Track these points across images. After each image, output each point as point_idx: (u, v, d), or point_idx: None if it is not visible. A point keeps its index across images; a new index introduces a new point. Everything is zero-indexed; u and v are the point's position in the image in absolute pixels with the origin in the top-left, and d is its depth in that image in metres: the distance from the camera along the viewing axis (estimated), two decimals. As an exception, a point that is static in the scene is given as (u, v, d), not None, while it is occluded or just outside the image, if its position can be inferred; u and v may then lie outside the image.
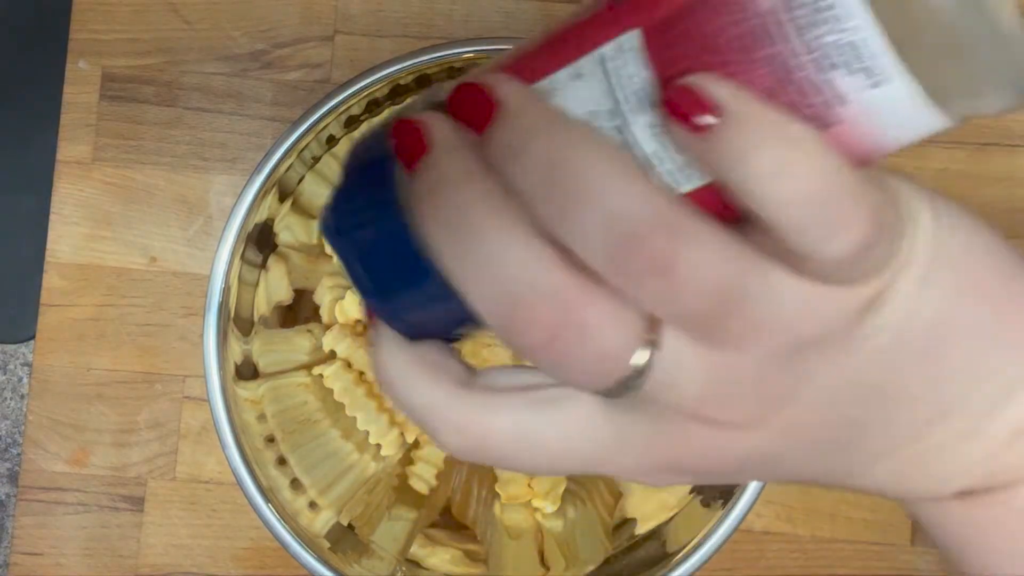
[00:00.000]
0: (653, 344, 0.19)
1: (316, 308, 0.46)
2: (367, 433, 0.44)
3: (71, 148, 0.51)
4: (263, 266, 0.45)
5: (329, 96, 0.42)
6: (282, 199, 0.45)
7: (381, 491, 0.45)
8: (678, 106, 0.18)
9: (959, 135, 0.50)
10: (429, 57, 0.42)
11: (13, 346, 0.53)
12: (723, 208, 0.19)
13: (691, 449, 0.21)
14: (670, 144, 0.19)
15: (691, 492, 0.45)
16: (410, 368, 0.22)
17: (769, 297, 0.19)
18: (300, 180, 0.45)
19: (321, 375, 0.45)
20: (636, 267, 0.18)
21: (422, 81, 0.44)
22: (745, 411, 0.20)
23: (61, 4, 0.52)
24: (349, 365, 0.44)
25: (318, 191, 0.45)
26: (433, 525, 0.47)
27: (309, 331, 0.45)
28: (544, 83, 0.20)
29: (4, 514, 0.52)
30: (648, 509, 0.45)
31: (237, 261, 0.42)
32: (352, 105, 0.43)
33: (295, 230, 0.45)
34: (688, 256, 0.18)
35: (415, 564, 0.46)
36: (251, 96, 0.51)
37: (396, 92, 0.44)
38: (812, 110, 0.18)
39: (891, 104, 0.18)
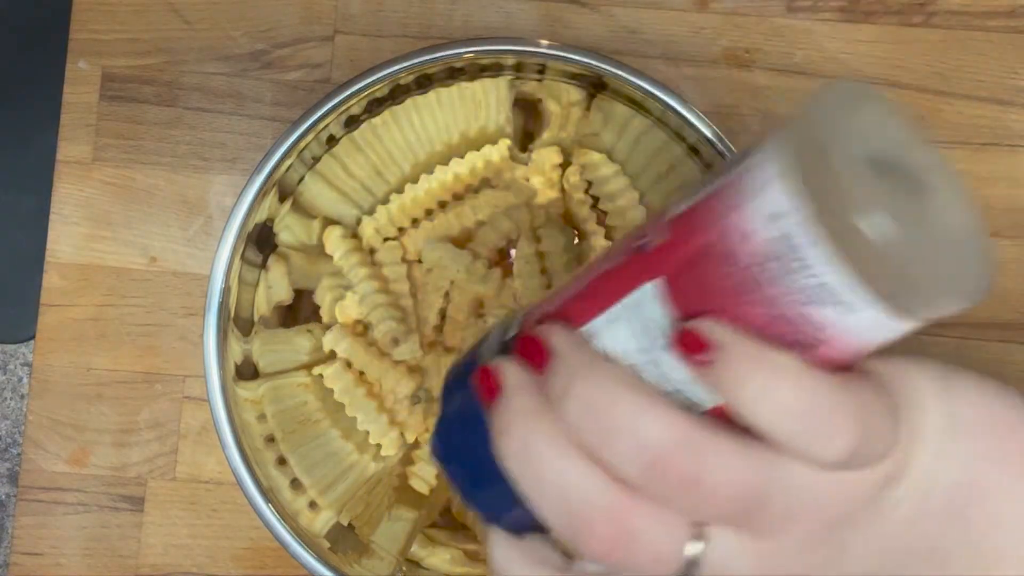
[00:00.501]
0: (701, 537, 0.23)
1: (316, 308, 0.46)
2: (367, 433, 0.44)
3: (71, 148, 0.51)
4: (263, 266, 0.45)
5: (329, 96, 0.42)
6: (282, 199, 0.45)
7: (381, 491, 0.45)
8: (684, 346, 0.22)
9: (959, 135, 0.50)
10: (429, 57, 0.42)
11: (13, 346, 0.53)
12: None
13: None
14: (692, 375, 0.23)
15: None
16: (519, 557, 0.26)
17: (792, 490, 0.22)
18: (300, 180, 0.45)
19: (321, 375, 0.45)
20: (667, 484, 0.22)
21: (422, 81, 0.44)
22: None
23: (61, 4, 0.52)
24: (349, 365, 0.44)
25: (318, 191, 0.45)
26: (433, 525, 0.47)
27: (309, 331, 0.45)
28: (588, 327, 0.24)
29: (4, 514, 0.52)
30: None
31: (237, 261, 0.42)
32: (352, 105, 0.43)
33: (295, 230, 0.45)
34: (710, 469, 0.22)
35: (415, 564, 0.46)
36: (251, 96, 0.51)
37: (396, 92, 0.44)
38: (798, 338, 0.22)
39: (864, 324, 0.21)
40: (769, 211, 0.21)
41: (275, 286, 0.45)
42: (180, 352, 0.50)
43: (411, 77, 0.43)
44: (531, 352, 0.24)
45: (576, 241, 0.46)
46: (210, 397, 0.42)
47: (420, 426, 0.45)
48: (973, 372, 0.25)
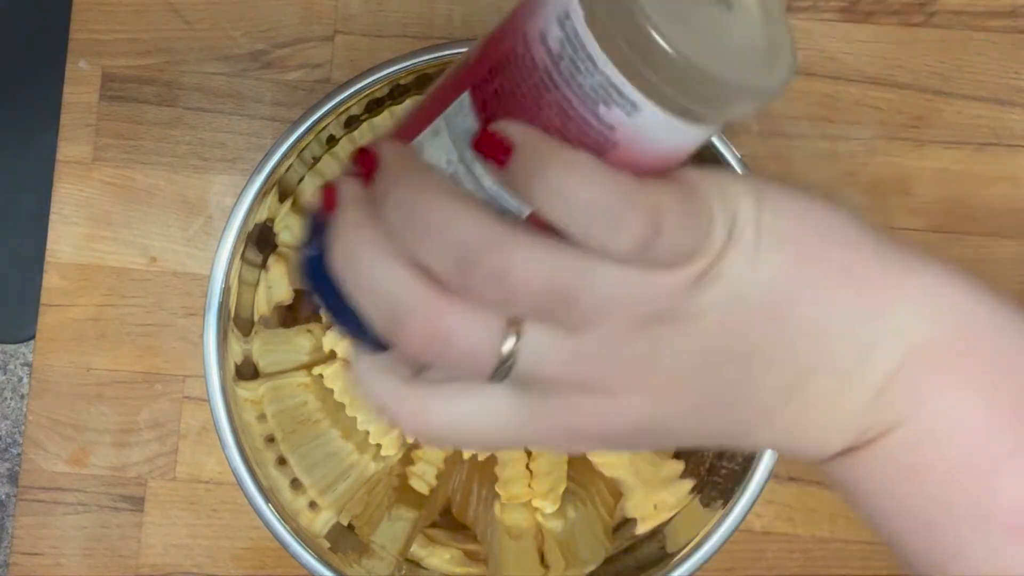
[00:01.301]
0: (516, 335, 0.24)
1: (316, 308, 0.46)
2: (367, 433, 0.44)
3: (71, 148, 0.51)
4: (263, 266, 0.45)
5: (329, 96, 0.42)
6: (282, 199, 0.45)
7: (381, 491, 0.45)
8: (484, 147, 0.23)
9: (959, 135, 0.50)
10: (429, 57, 0.42)
11: (13, 346, 0.53)
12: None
13: (582, 417, 0.25)
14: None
15: (691, 492, 0.45)
16: (371, 370, 0.27)
17: (598, 286, 0.23)
18: (300, 180, 0.45)
19: (321, 375, 0.45)
20: (477, 280, 0.23)
21: (422, 81, 0.44)
22: (608, 379, 0.24)
23: (61, 4, 0.52)
24: (349, 365, 0.44)
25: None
26: (433, 525, 0.47)
27: (309, 331, 0.45)
28: (416, 141, 0.25)
29: (4, 514, 0.52)
30: (648, 509, 0.45)
31: (237, 261, 0.42)
32: (352, 105, 0.43)
33: (295, 230, 0.45)
34: (516, 265, 0.23)
35: (415, 564, 0.46)
36: (251, 96, 0.51)
37: (396, 92, 0.44)
38: (591, 139, 0.23)
39: (652, 126, 0.23)
40: (558, 12, 0.22)
41: (275, 286, 0.45)
42: (180, 352, 0.50)
43: (411, 77, 0.43)
44: (363, 163, 0.25)
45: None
46: (210, 397, 0.42)
47: (420, 426, 0.45)
48: (794, 187, 0.26)
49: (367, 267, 0.24)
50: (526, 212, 0.24)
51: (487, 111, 0.24)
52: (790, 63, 0.23)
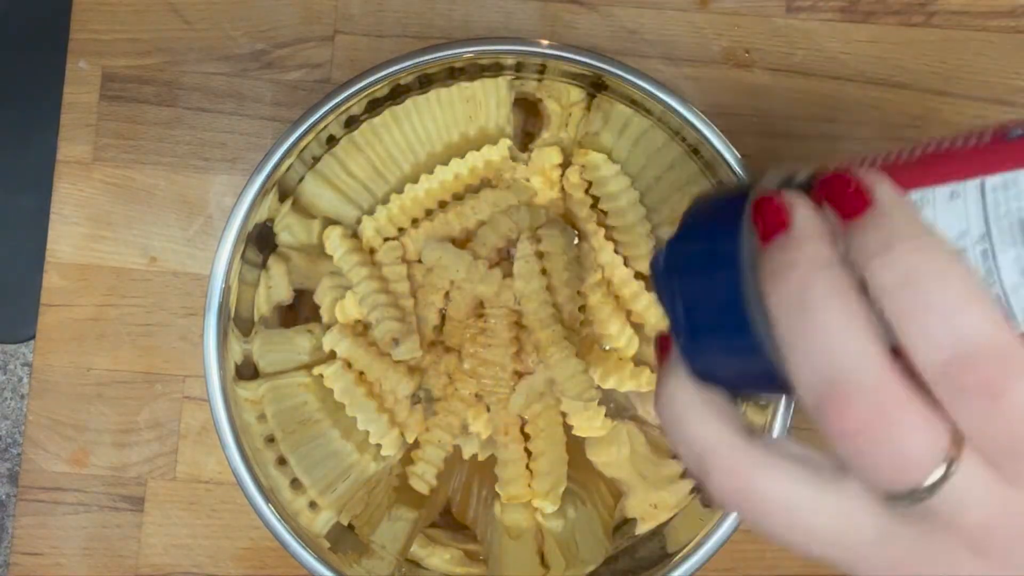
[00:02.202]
0: (951, 462, 0.20)
1: (316, 308, 0.46)
2: (367, 433, 0.44)
3: (71, 148, 0.51)
4: (263, 266, 0.45)
5: (329, 96, 0.42)
6: (282, 199, 0.45)
7: (381, 491, 0.45)
8: None
9: (959, 135, 0.50)
10: (429, 57, 0.42)
11: (13, 346, 0.53)
12: None
13: (954, 570, 0.22)
14: None
15: (691, 492, 0.45)
16: (700, 405, 0.23)
17: None
18: (300, 180, 0.45)
19: (321, 375, 0.45)
20: (967, 384, 0.20)
21: (422, 81, 0.44)
22: (1020, 553, 0.21)
23: (61, 4, 0.52)
24: (349, 365, 0.44)
25: (318, 191, 0.45)
26: (433, 525, 0.47)
27: (309, 331, 0.45)
28: (917, 194, 0.21)
29: (4, 514, 0.52)
30: (648, 509, 0.45)
31: (237, 261, 0.42)
32: (352, 105, 0.43)
33: (295, 230, 0.45)
34: (1018, 389, 0.19)
35: (415, 564, 0.46)
36: (251, 96, 0.51)
37: (396, 92, 0.44)
38: None
39: None
40: None
41: (275, 286, 0.45)
42: (180, 352, 0.50)
43: (411, 77, 0.43)
44: (843, 194, 0.21)
45: (576, 241, 0.46)
46: (210, 397, 0.42)
47: (420, 426, 0.45)
48: None
49: (826, 318, 0.21)
50: None
51: None
52: None
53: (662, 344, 0.25)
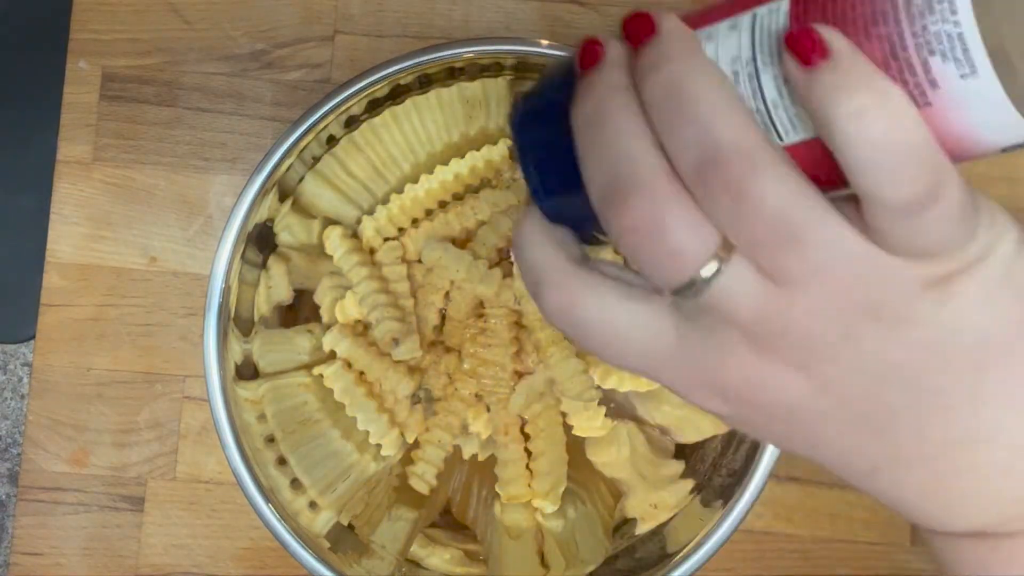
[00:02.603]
0: (721, 260, 0.22)
1: (316, 308, 0.46)
2: (367, 433, 0.44)
3: (71, 148, 0.51)
4: (263, 266, 0.45)
5: (329, 96, 0.42)
6: (282, 199, 0.45)
7: (381, 491, 0.45)
8: (797, 40, 0.21)
9: (959, 135, 0.50)
10: (429, 57, 0.42)
11: (13, 346, 0.53)
12: (815, 166, 0.22)
13: (738, 373, 0.23)
14: (787, 95, 0.22)
15: (691, 492, 0.45)
16: (542, 235, 0.26)
17: (830, 246, 0.22)
18: (300, 180, 0.45)
19: (321, 375, 0.45)
20: (714, 184, 0.22)
21: (422, 81, 0.44)
22: (787, 347, 0.23)
23: (61, 4, 0.52)
24: (349, 365, 0.44)
25: (318, 191, 0.45)
26: (433, 525, 0.47)
27: (309, 331, 0.45)
28: (707, 29, 0.24)
29: (4, 514, 0.52)
30: (648, 509, 0.45)
31: (237, 261, 0.42)
32: (352, 105, 0.43)
33: (295, 230, 0.45)
34: (762, 185, 0.21)
35: (415, 564, 0.46)
36: (251, 96, 0.51)
37: (396, 92, 0.44)
38: (909, 87, 0.21)
39: (976, 98, 0.21)
40: None
41: (275, 286, 0.45)
42: (180, 352, 0.50)
43: (411, 77, 0.43)
44: (638, 26, 0.24)
45: (576, 241, 0.46)
46: (210, 397, 0.42)
47: (420, 426, 0.45)
48: None
49: (611, 130, 0.23)
50: (794, 139, 0.23)
51: (805, 22, 0.22)
52: None
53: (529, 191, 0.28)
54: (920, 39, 0.21)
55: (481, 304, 0.45)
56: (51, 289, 0.50)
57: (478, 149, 0.45)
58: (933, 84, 0.21)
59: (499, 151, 0.45)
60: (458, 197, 0.46)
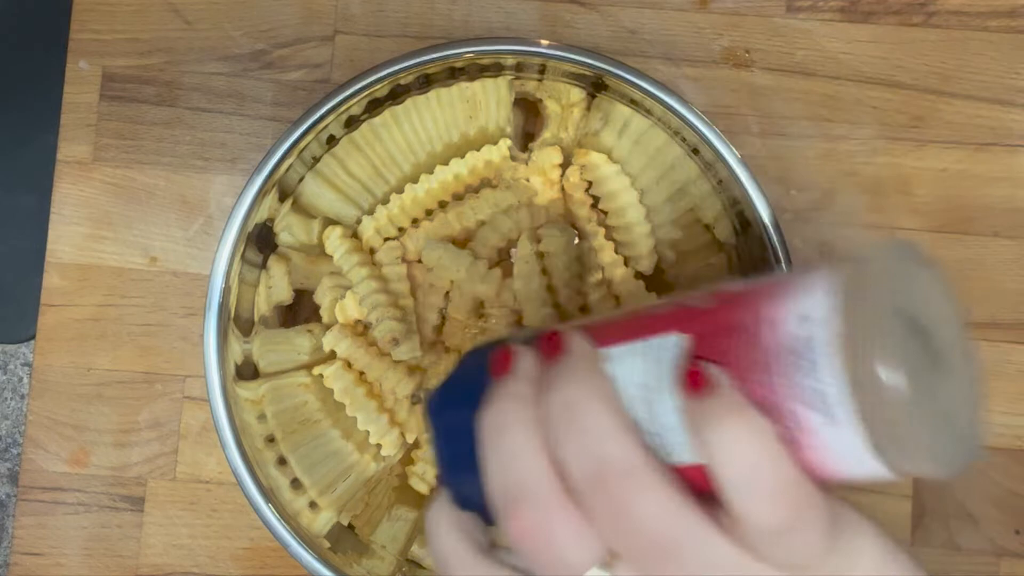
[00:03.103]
0: (606, 566, 0.24)
1: (316, 308, 0.46)
2: (367, 433, 0.44)
3: (71, 148, 0.51)
4: (263, 266, 0.45)
5: (329, 96, 0.42)
6: (282, 199, 0.45)
7: (381, 491, 0.46)
8: (689, 377, 0.24)
9: (959, 135, 0.50)
10: (429, 57, 0.42)
11: (13, 346, 0.53)
12: (704, 486, 0.24)
13: None
14: (680, 422, 0.25)
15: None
16: (449, 523, 0.28)
17: (706, 557, 0.24)
18: (300, 180, 0.45)
19: (321, 375, 0.45)
20: (600, 501, 0.24)
21: (422, 81, 0.44)
22: None
23: (61, 4, 0.52)
24: (349, 365, 0.44)
25: (318, 191, 0.45)
26: (433, 525, 0.47)
27: (309, 331, 0.45)
28: (610, 349, 0.26)
29: (4, 514, 0.52)
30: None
31: (237, 261, 0.42)
32: (352, 105, 0.43)
33: (295, 230, 0.45)
34: (643, 505, 0.23)
35: (415, 564, 0.46)
36: (251, 96, 0.51)
37: (396, 92, 0.44)
38: (781, 427, 0.24)
39: (840, 446, 0.23)
40: (803, 312, 0.23)
41: (275, 286, 0.45)
42: (180, 352, 0.50)
43: (411, 77, 0.43)
44: (548, 345, 0.27)
45: (576, 241, 0.46)
46: (210, 397, 0.42)
47: (420, 426, 0.45)
48: (889, 540, 0.26)
49: (511, 442, 0.25)
50: (687, 460, 0.25)
51: (697, 357, 0.25)
52: (981, 438, 0.24)
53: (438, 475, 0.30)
54: (790, 389, 0.23)
55: (481, 304, 0.45)
56: (51, 289, 0.50)
57: (478, 149, 0.45)
58: (801, 429, 0.23)
59: (499, 151, 0.45)
60: (458, 197, 0.46)
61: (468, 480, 0.27)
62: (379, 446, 0.44)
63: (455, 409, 0.29)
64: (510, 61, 0.44)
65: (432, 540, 0.28)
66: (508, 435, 0.25)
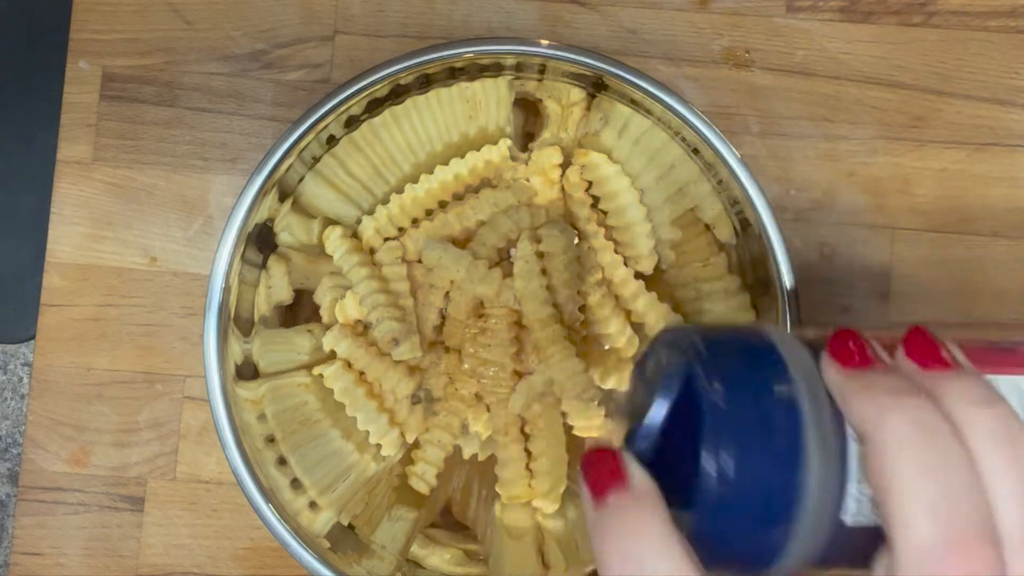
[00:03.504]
0: None
1: (316, 308, 0.46)
2: (367, 433, 0.44)
3: (71, 148, 0.51)
4: (263, 266, 0.45)
5: (329, 96, 0.42)
6: (282, 199, 0.45)
7: (381, 491, 0.45)
8: None
9: (959, 135, 0.50)
10: (429, 57, 0.42)
11: (13, 346, 0.53)
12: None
13: None
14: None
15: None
16: (668, 541, 0.23)
17: None
18: (300, 180, 0.45)
19: (321, 375, 0.45)
20: None
21: (422, 81, 0.44)
22: None
23: (61, 4, 0.52)
24: (349, 365, 0.44)
25: (318, 191, 0.45)
26: (433, 525, 0.47)
27: (309, 331, 0.45)
28: (1001, 377, 0.25)
29: (4, 514, 0.52)
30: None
31: (237, 261, 0.42)
32: (352, 105, 0.43)
33: (295, 230, 0.45)
34: None
35: (415, 564, 0.46)
36: (251, 96, 0.51)
37: (396, 92, 0.44)
38: None
39: None
40: None
41: (275, 286, 0.45)
42: (180, 352, 0.50)
43: (411, 77, 0.43)
44: (924, 352, 0.24)
45: (576, 241, 0.46)
46: (210, 397, 0.42)
47: (420, 426, 0.45)
48: None
49: (942, 456, 0.22)
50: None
51: None
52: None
53: (598, 460, 0.25)
54: None
55: (481, 304, 0.45)
56: (51, 289, 0.50)
57: (478, 149, 0.45)
58: None
59: (499, 151, 0.45)
60: (458, 197, 0.46)
61: (760, 511, 0.23)
62: (379, 446, 0.44)
63: (751, 425, 0.24)
64: (510, 61, 0.44)
65: (641, 562, 0.23)
66: (939, 448, 0.22)
